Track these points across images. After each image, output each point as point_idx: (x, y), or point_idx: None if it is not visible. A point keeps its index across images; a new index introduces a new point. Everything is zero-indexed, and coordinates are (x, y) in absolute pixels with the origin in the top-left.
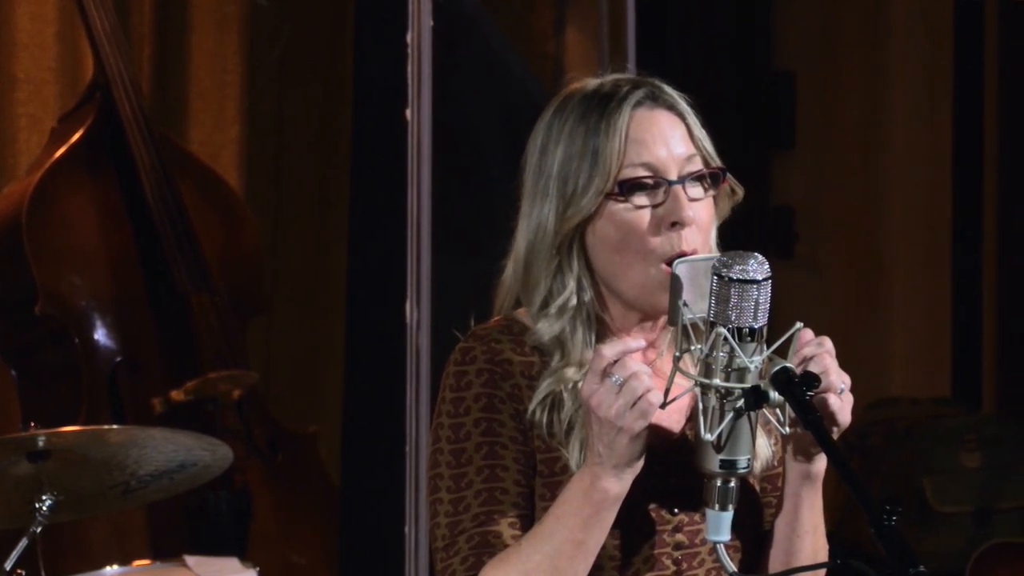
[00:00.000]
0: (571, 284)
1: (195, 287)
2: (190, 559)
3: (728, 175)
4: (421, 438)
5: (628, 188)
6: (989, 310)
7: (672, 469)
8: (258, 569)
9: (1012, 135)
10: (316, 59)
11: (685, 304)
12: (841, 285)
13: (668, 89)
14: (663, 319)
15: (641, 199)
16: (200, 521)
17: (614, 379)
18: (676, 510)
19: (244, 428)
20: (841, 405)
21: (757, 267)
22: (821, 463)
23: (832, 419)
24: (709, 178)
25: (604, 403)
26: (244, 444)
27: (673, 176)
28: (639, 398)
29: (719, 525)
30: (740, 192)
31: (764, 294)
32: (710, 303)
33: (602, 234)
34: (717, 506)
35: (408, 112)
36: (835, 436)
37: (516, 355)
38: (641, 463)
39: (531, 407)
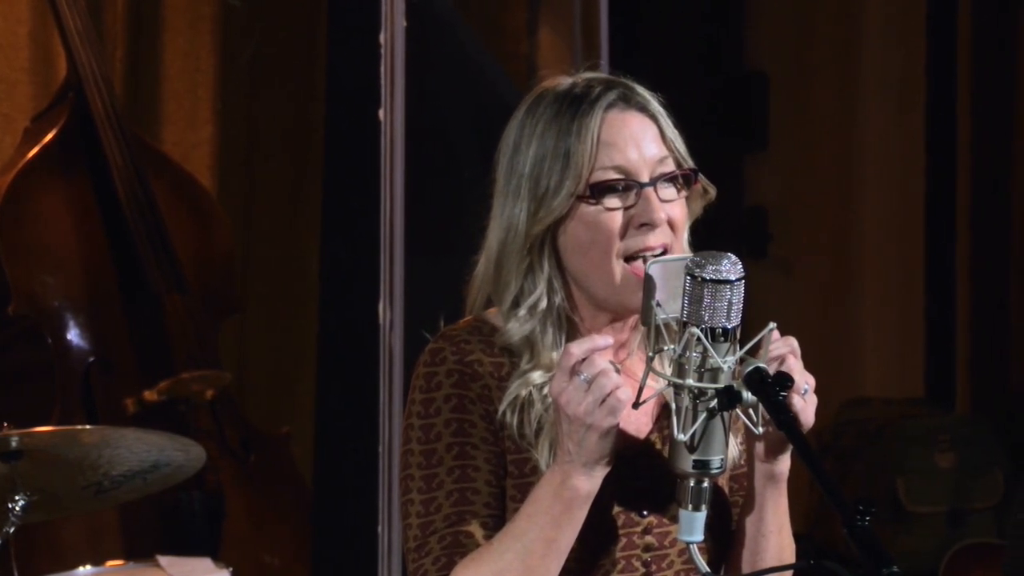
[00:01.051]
0: (542, 285)
1: (168, 287)
2: (163, 559)
3: (700, 175)
4: (394, 438)
5: (599, 191)
6: (962, 310)
7: (640, 472)
8: (231, 569)
9: (984, 135)
10: (289, 59)
11: (658, 304)
12: (814, 285)
13: (640, 90)
14: (634, 319)
15: (612, 201)
16: (173, 521)
17: (582, 377)
18: (645, 512)
19: (217, 428)
20: (804, 406)
21: (730, 267)
22: (785, 464)
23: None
24: (681, 179)
25: (573, 401)
26: (217, 444)
27: (645, 178)
28: (608, 395)
29: (692, 525)
30: (713, 192)
31: (737, 294)
32: (683, 303)
33: (573, 235)
34: (690, 506)
35: (381, 112)
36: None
37: (486, 356)
38: (611, 461)
39: (501, 408)
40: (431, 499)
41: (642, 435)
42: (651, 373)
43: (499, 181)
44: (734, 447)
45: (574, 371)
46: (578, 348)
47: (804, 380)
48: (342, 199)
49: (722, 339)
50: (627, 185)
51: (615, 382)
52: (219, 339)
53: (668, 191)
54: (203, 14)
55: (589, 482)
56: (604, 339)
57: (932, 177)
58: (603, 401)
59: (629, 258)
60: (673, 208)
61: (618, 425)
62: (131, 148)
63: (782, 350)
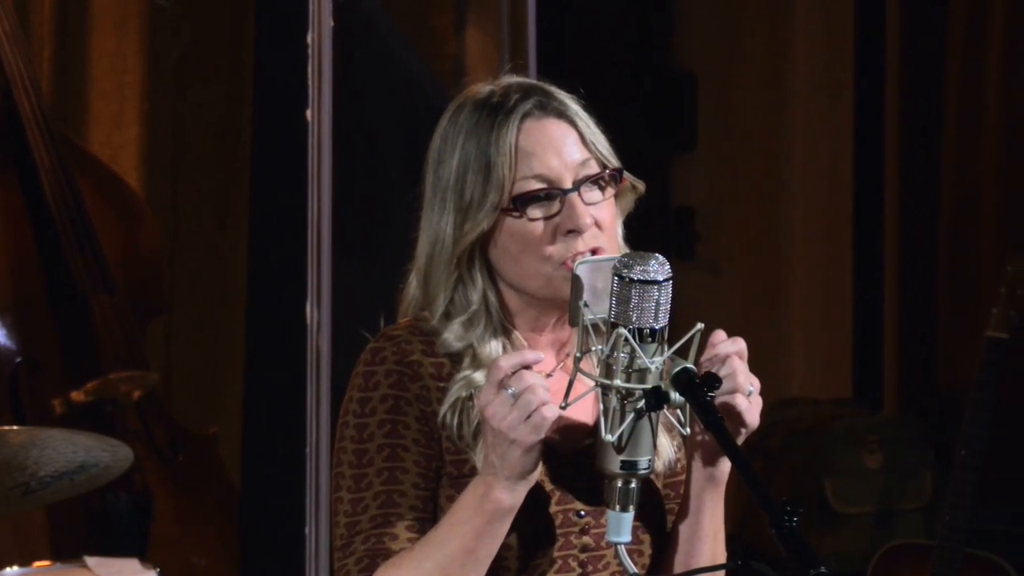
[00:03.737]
0: (475, 296)
1: (95, 287)
2: (91, 560)
3: (626, 173)
4: (322, 439)
5: (523, 202)
6: (890, 311)
7: (579, 472)
8: (159, 570)
9: (913, 136)
10: (216, 59)
11: (586, 305)
12: (742, 286)
13: (558, 94)
14: None
15: (536, 211)
16: (100, 522)
17: (510, 391)
18: (582, 512)
19: (144, 429)
20: (749, 407)
21: (658, 268)
22: (724, 468)
23: (740, 420)
24: (607, 179)
25: (498, 415)
26: (144, 445)
27: (568, 184)
28: (533, 411)
29: (620, 526)
30: (641, 187)
31: (665, 295)
32: (611, 304)
33: (502, 246)
34: (618, 507)
35: (308, 113)
36: (743, 438)
37: (426, 357)
38: (536, 476)
39: (441, 410)
40: (359, 499)
41: (582, 435)
42: (580, 374)
43: (426, 192)
44: (671, 449)
45: (502, 385)
46: (507, 362)
47: (749, 381)
48: (269, 200)
49: (650, 340)
50: (550, 193)
51: (541, 398)
52: (146, 340)
53: (593, 194)
54: (130, 14)
55: (511, 496)
56: (535, 354)
57: (860, 177)
58: (528, 417)
59: (561, 264)
60: (600, 210)
61: (543, 441)
62: (58, 149)
63: (729, 349)
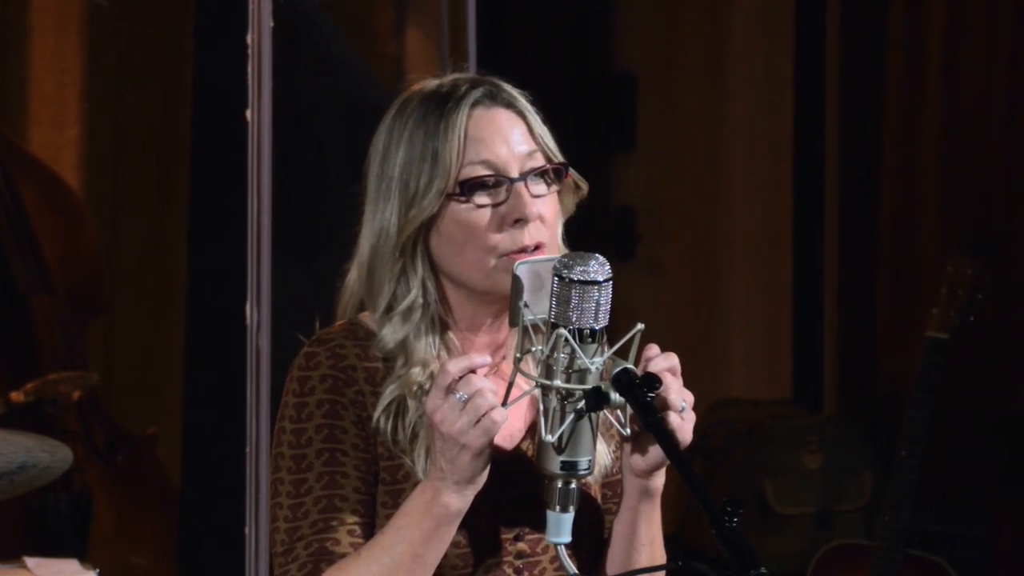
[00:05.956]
0: (415, 287)
1: (35, 288)
2: (30, 561)
3: (571, 169)
4: (262, 439)
5: (469, 188)
6: (830, 311)
7: (513, 479)
8: (98, 571)
9: (853, 137)
10: (156, 60)
11: (526, 305)
12: (682, 286)
13: (507, 87)
14: None
15: (483, 198)
16: (40, 523)
17: (458, 396)
18: (518, 519)
19: (84, 430)
20: (681, 424)
21: (598, 268)
22: (660, 480)
23: (672, 438)
24: (552, 173)
25: (447, 419)
26: (84, 446)
27: (514, 174)
28: (483, 415)
29: (560, 527)
30: (585, 187)
31: (605, 295)
32: (551, 304)
33: (446, 234)
34: (558, 507)
35: (248, 113)
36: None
37: (360, 361)
38: (484, 479)
39: (375, 414)
40: (299, 504)
41: (515, 441)
42: (520, 374)
43: (369, 187)
44: (607, 455)
45: (450, 389)
46: (455, 366)
47: (682, 398)
48: (209, 200)
49: (590, 340)
50: (497, 181)
51: (491, 403)
52: (86, 340)
53: (539, 187)
54: (70, 14)
55: (460, 500)
56: (482, 357)
57: (800, 178)
58: (478, 421)
59: (504, 256)
60: (544, 204)
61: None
62: None
63: (661, 366)
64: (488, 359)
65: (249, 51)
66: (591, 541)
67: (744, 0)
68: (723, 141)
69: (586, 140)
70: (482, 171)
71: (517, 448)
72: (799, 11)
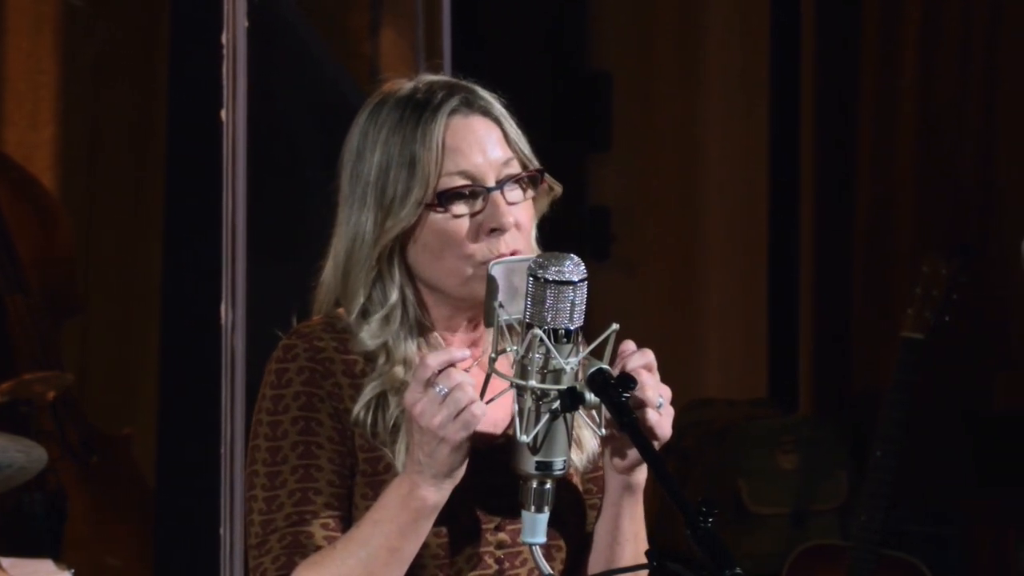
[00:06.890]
0: (394, 294)
1: (10, 288)
2: (5, 561)
3: (546, 175)
4: (236, 440)
5: (447, 198)
6: (805, 312)
7: (495, 469)
8: (73, 571)
9: (828, 136)
10: (131, 59)
11: (501, 305)
12: (658, 286)
13: (482, 93)
14: None
15: (460, 208)
16: (14, 523)
17: (438, 389)
18: (499, 509)
19: (58, 430)
20: (659, 419)
21: (573, 268)
22: (641, 475)
23: (651, 434)
24: (527, 180)
25: (427, 413)
26: (58, 446)
27: (491, 182)
28: (463, 409)
29: (534, 527)
30: (559, 189)
31: (580, 295)
32: (526, 304)
33: (422, 243)
34: (533, 508)
35: (223, 113)
36: (657, 447)
37: (339, 353)
38: (461, 473)
39: (355, 408)
40: (274, 497)
41: (499, 432)
42: (495, 374)
43: (343, 188)
44: (594, 444)
45: (430, 383)
46: (435, 360)
47: (659, 393)
48: (184, 200)
49: (565, 340)
50: (474, 191)
51: (470, 396)
52: (61, 340)
53: (515, 193)
54: (45, 14)
55: (437, 493)
56: (462, 351)
57: (776, 177)
58: (458, 415)
59: (481, 264)
60: (520, 211)
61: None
62: None
63: (637, 363)
64: (467, 353)
65: (224, 51)
66: (575, 535)
67: (719, 0)
68: (698, 141)
69: (561, 140)
70: (460, 181)
71: (500, 437)
72: (774, 11)
